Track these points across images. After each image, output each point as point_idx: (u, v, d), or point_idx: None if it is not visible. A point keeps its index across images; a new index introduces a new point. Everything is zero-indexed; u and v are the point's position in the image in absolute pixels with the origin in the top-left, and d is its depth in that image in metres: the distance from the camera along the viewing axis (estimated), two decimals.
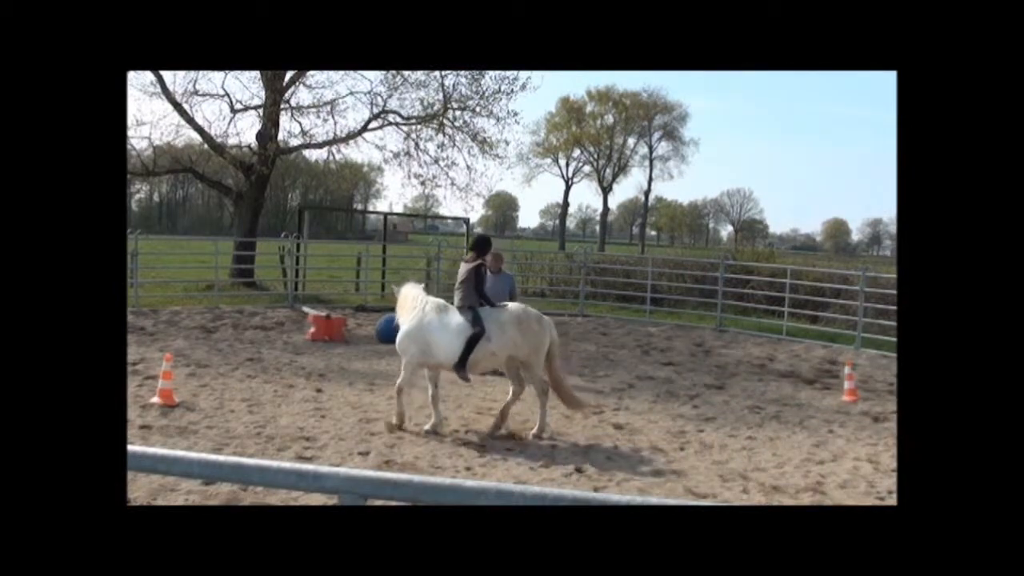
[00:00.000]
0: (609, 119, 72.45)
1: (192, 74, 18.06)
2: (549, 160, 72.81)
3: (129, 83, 17.32)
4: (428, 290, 8.16)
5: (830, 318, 16.61)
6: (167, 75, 18.10)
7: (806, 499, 5.96)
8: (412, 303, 7.57)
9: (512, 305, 7.67)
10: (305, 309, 13.93)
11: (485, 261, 7.93)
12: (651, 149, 73.67)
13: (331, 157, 21.09)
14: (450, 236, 36.19)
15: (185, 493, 5.31)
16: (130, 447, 2.59)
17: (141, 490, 5.24)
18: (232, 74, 18.88)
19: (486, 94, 19.49)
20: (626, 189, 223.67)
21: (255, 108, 19.07)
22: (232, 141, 19.30)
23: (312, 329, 12.40)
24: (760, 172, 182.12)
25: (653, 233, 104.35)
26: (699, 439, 7.56)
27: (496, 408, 8.39)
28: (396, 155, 19.95)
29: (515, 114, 19.95)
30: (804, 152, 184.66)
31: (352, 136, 19.61)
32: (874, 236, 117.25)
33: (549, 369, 7.40)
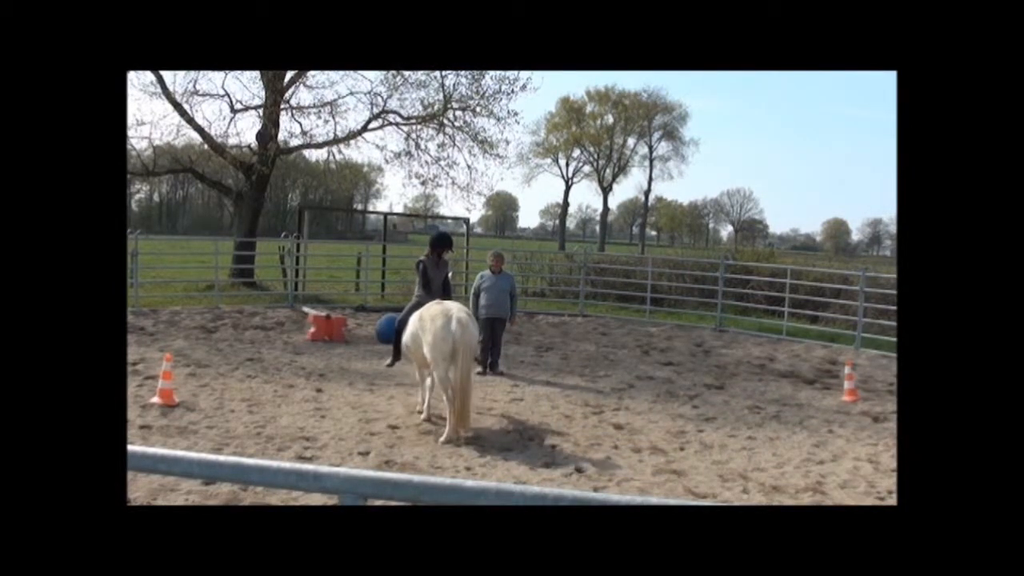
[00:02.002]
0: (609, 119, 72.50)
1: (192, 74, 18.09)
2: (549, 160, 72.87)
3: (129, 83, 17.35)
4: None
5: (830, 318, 16.62)
6: (167, 75, 18.13)
7: (806, 499, 5.96)
8: None
9: (438, 302, 7.60)
10: (305, 309, 13.93)
11: (443, 256, 8.70)
12: (651, 149, 73.72)
13: (331, 157, 21.12)
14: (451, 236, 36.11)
15: (185, 493, 5.31)
16: (130, 447, 2.59)
17: (141, 490, 5.24)
18: (232, 74, 18.90)
19: (486, 94, 19.53)
20: (626, 189, 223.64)
21: (255, 108, 19.08)
22: (232, 141, 19.33)
23: (312, 329, 12.40)
24: (760, 172, 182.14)
25: (653, 233, 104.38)
26: (699, 439, 7.56)
27: (497, 408, 8.41)
28: (397, 155, 20.00)
29: (515, 114, 20.01)
30: (804, 152, 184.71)
31: (352, 136, 19.62)
32: (874, 236, 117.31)
33: (456, 374, 7.05)
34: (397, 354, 8.41)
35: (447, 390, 7.09)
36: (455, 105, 19.53)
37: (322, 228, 67.46)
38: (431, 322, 7.14)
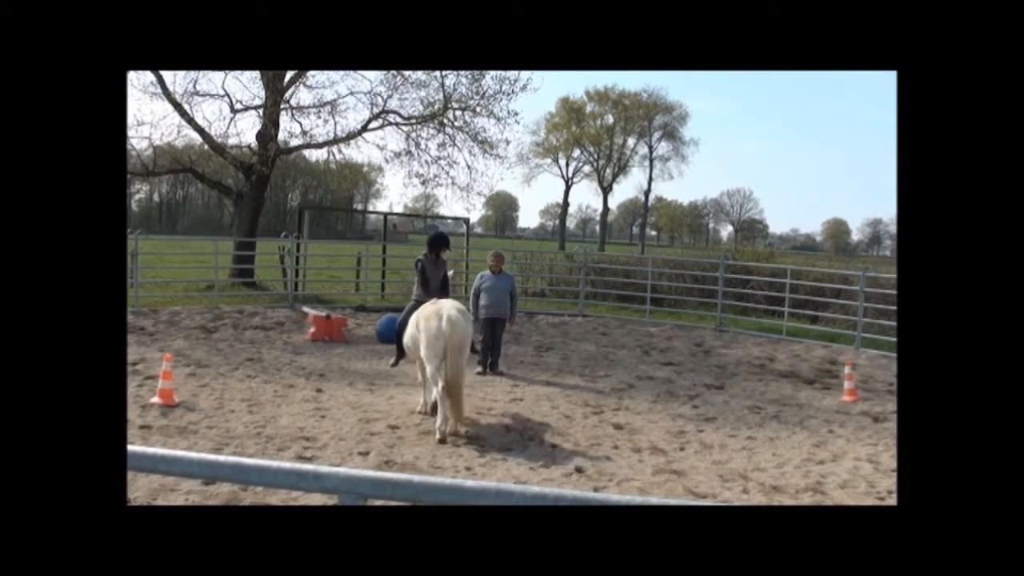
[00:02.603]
0: (609, 119, 72.49)
1: (192, 74, 18.07)
2: (549, 160, 72.87)
3: (129, 83, 17.35)
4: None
5: (830, 318, 16.62)
6: (167, 75, 18.12)
7: (806, 499, 5.96)
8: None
9: (433, 302, 7.74)
10: (305, 309, 13.93)
11: (441, 255, 9.07)
12: (651, 149, 73.72)
13: (331, 157, 21.11)
14: (450, 236, 36.17)
15: (185, 493, 5.31)
16: (130, 447, 2.59)
17: (141, 490, 5.24)
18: (232, 74, 18.89)
19: (486, 94, 19.53)
20: (626, 189, 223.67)
21: (255, 108, 19.07)
22: (232, 141, 19.32)
23: (312, 329, 12.40)
24: (760, 172, 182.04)
25: (653, 233, 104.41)
26: (699, 439, 7.56)
27: (497, 408, 8.41)
28: (397, 155, 20.01)
29: (515, 114, 20.01)
30: (804, 152, 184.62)
31: (352, 136, 19.62)
32: (874, 236, 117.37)
33: (445, 369, 7.17)
34: (401, 353, 8.59)
35: (437, 383, 7.18)
36: (455, 105, 19.54)
37: (322, 228, 67.52)
38: (425, 323, 7.34)
